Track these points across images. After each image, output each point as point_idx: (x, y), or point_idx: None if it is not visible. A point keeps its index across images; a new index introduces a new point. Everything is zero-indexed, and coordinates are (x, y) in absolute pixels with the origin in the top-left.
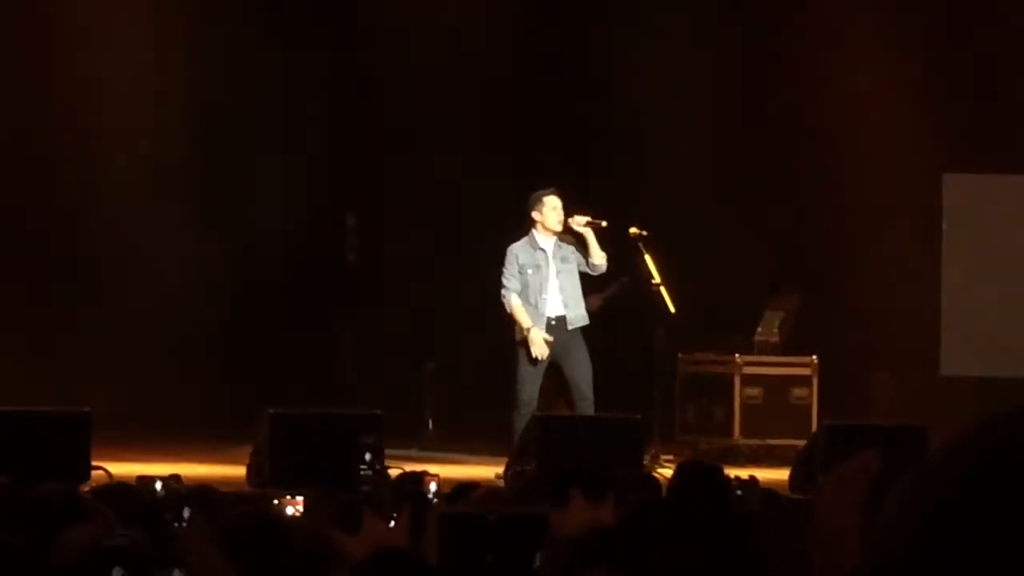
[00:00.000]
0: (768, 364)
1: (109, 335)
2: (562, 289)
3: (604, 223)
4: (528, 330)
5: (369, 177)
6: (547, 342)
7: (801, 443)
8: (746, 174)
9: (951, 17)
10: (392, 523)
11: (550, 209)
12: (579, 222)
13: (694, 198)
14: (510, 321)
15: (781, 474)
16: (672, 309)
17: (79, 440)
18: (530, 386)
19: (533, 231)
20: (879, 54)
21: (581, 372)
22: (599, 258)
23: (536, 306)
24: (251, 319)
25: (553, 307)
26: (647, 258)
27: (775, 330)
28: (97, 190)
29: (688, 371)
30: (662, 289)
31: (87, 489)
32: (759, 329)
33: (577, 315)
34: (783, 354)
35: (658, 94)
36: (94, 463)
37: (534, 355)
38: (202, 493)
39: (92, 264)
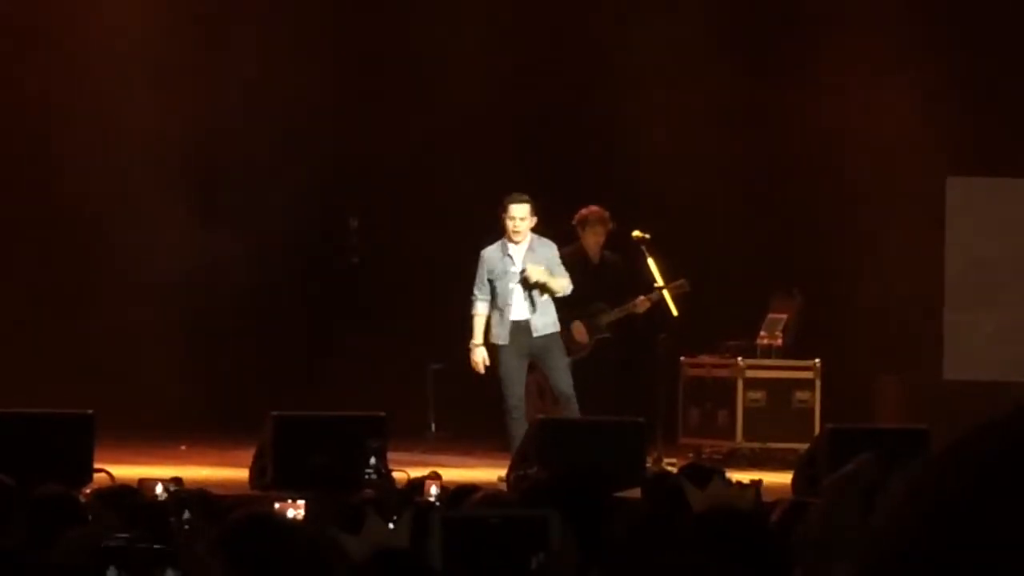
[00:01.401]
0: (771, 368)
1: (112, 336)
2: (527, 296)
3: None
4: (474, 346)
5: (372, 179)
6: (518, 347)
7: (803, 447)
8: (750, 178)
9: (956, 22)
10: (392, 525)
11: (508, 218)
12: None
13: (697, 202)
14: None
15: (784, 478)
16: (675, 312)
17: (81, 442)
18: (515, 387)
19: (504, 235)
20: (884, 58)
21: (559, 373)
22: (558, 289)
23: (503, 312)
24: (254, 321)
25: (518, 312)
26: (650, 261)
27: (778, 334)
28: (100, 190)
29: (691, 374)
30: (665, 293)
31: (88, 491)
32: (762, 333)
33: (544, 322)
34: (786, 358)
35: (662, 97)
36: (96, 465)
37: (473, 364)
38: (201, 497)
39: (94, 265)
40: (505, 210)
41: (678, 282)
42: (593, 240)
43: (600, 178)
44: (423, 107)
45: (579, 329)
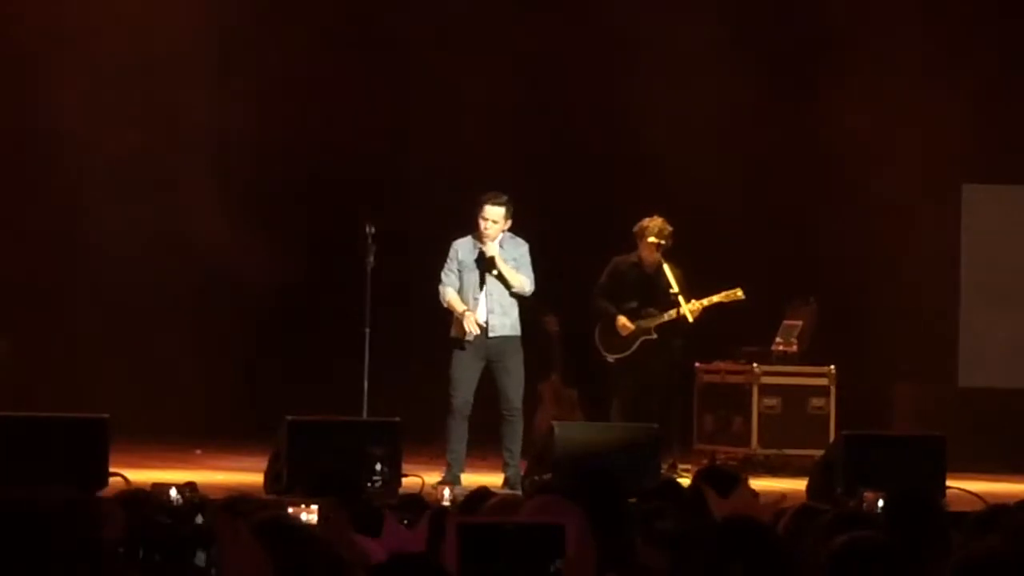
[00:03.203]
0: (786, 374)
1: (127, 341)
2: (489, 294)
3: (493, 271)
4: (463, 312)
5: (390, 184)
6: (476, 348)
7: (818, 453)
8: (766, 185)
9: (972, 31)
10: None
11: (481, 217)
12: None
13: (713, 208)
14: (447, 316)
15: (799, 484)
16: (691, 319)
17: (97, 446)
18: (463, 388)
19: (476, 231)
20: (901, 67)
21: (510, 381)
22: (515, 283)
23: (469, 307)
24: (270, 325)
25: (480, 312)
26: (666, 268)
27: (793, 340)
28: (105, 193)
29: (706, 381)
30: (681, 299)
31: (103, 495)
32: (777, 339)
33: (501, 323)
34: (801, 364)
35: (681, 107)
36: (112, 469)
37: (466, 331)
38: (228, 502)
39: (110, 270)
40: (480, 208)
41: (733, 290)
42: (647, 252)
43: (616, 183)
44: (439, 112)
45: (623, 322)
